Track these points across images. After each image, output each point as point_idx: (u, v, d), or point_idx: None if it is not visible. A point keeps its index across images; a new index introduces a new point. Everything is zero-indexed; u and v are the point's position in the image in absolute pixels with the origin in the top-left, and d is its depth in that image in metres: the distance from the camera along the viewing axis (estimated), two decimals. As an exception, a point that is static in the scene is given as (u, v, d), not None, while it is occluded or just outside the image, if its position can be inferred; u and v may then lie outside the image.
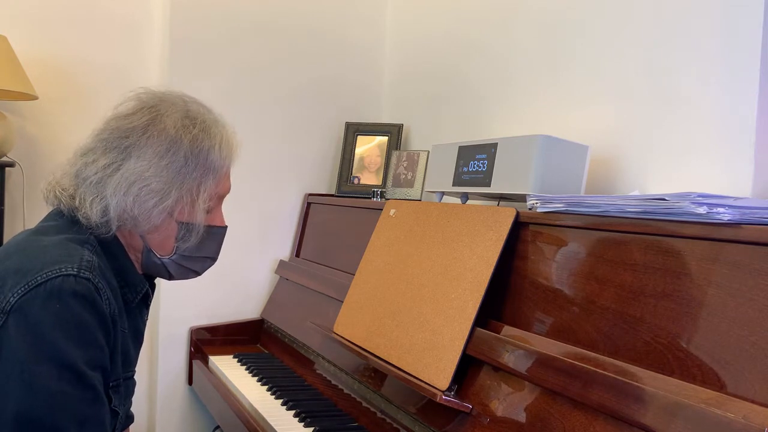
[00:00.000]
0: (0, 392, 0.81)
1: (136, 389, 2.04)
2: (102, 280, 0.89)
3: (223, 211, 1.09)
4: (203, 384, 1.90)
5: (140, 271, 1.04)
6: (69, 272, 0.84)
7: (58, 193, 0.96)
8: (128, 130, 0.96)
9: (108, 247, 0.97)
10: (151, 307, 2.15)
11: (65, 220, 0.96)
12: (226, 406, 1.62)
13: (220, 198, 1.07)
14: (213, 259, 1.09)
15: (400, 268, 1.42)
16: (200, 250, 1.04)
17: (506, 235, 1.18)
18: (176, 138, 0.97)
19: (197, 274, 1.09)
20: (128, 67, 2.13)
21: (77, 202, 0.94)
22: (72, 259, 0.87)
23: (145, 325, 1.11)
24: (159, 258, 1.02)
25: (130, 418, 1.18)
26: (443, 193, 1.55)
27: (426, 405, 1.23)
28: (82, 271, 0.86)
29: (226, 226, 1.09)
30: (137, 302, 1.02)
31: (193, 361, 2.05)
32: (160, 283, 2.05)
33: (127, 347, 0.99)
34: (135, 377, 1.07)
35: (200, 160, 0.98)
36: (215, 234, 1.07)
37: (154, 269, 1.04)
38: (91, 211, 0.93)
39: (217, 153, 1.01)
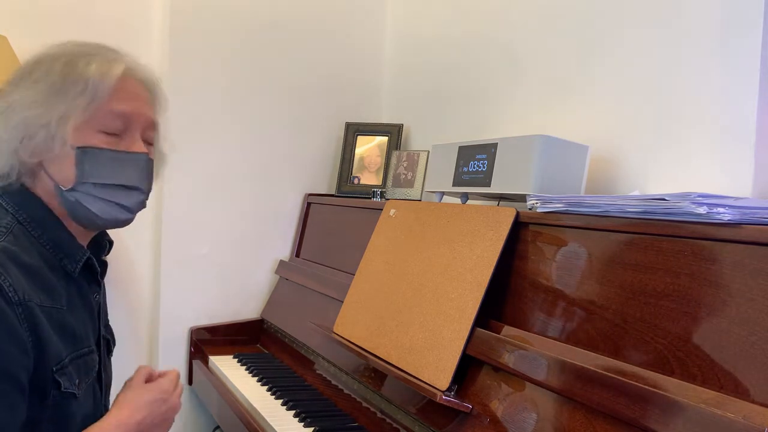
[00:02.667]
0: None
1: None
2: (7, 265, 0.85)
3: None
4: (203, 384, 1.90)
5: (86, 237, 1.02)
6: None
7: None
8: (17, 74, 0.97)
9: (37, 220, 0.95)
10: (151, 307, 2.16)
11: None
12: (226, 406, 1.62)
13: (126, 121, 0.99)
14: (138, 190, 1.01)
15: (400, 268, 1.42)
16: (116, 176, 0.97)
17: (506, 235, 1.18)
18: (50, 64, 0.96)
19: (128, 210, 1.01)
20: (128, 67, 2.13)
21: None
22: None
23: (98, 301, 1.07)
24: (71, 193, 0.95)
25: None
26: (443, 193, 1.55)
27: (426, 405, 1.23)
28: None
29: (143, 153, 1.01)
30: (79, 273, 0.99)
31: (193, 361, 2.05)
32: (160, 283, 2.05)
33: (68, 324, 0.94)
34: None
35: (74, 78, 0.94)
36: (128, 160, 0.98)
37: (77, 212, 0.97)
38: None
39: (93, 69, 0.95)
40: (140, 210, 1.04)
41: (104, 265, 1.11)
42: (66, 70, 0.95)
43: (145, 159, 1.01)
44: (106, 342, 1.12)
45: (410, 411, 1.26)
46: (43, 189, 0.98)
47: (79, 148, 0.94)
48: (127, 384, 1.06)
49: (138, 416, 0.98)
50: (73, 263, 0.98)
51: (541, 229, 1.16)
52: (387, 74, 2.42)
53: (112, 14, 2.08)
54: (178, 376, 1.11)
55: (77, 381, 0.95)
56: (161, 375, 1.09)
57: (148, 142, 1.05)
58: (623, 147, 1.39)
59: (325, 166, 2.34)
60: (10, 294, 0.84)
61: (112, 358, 1.18)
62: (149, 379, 1.08)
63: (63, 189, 0.96)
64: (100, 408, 1.05)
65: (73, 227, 1.00)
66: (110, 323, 1.18)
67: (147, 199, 1.05)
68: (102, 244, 1.12)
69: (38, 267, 0.91)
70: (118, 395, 1.03)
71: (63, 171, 0.96)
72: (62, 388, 0.91)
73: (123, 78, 0.98)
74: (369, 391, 1.44)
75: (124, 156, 0.98)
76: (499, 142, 1.35)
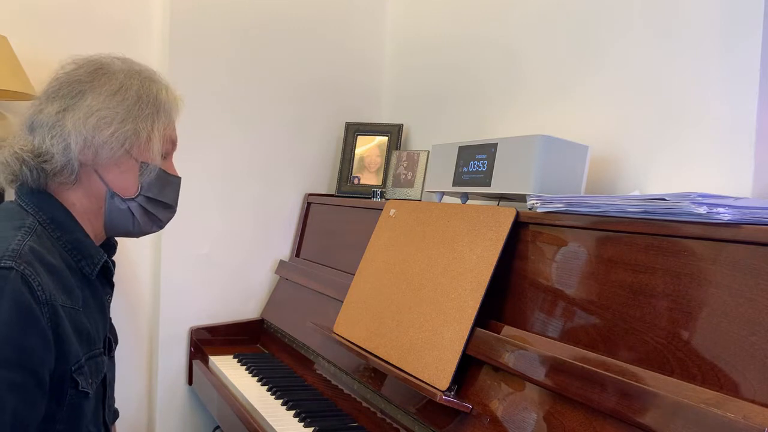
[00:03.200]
0: None
1: (135, 388, 2.04)
2: (35, 265, 0.86)
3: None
4: (203, 384, 1.90)
5: (101, 240, 1.07)
6: None
7: (17, 150, 0.97)
8: (77, 77, 1.02)
9: (58, 222, 0.98)
10: (151, 307, 2.16)
11: (10, 208, 0.98)
12: (226, 406, 1.62)
13: (172, 144, 1.11)
14: (173, 209, 1.13)
15: (400, 268, 1.42)
16: (162, 193, 1.08)
17: (506, 235, 1.18)
18: (125, 80, 1.03)
19: (160, 225, 1.11)
20: (128, 67, 2.13)
21: (38, 149, 0.96)
22: None
23: (109, 303, 1.10)
24: (124, 201, 1.04)
25: (115, 414, 1.17)
26: (443, 193, 1.55)
27: (426, 405, 1.23)
28: (3, 261, 0.84)
29: (180, 177, 1.14)
30: (96, 274, 1.02)
31: (193, 361, 2.05)
32: (160, 283, 2.05)
33: (84, 325, 0.96)
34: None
35: (151, 99, 1.04)
36: (172, 183, 1.11)
37: (119, 219, 1.05)
38: (54, 149, 0.96)
39: (164, 96, 1.07)
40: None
41: (114, 265, 1.13)
42: (142, 90, 1.03)
43: (180, 181, 1.14)
44: (109, 342, 1.13)
45: (410, 411, 1.26)
46: (82, 193, 1.01)
47: (143, 162, 1.04)
48: None
49: None
50: (91, 265, 1.00)
51: (541, 229, 1.16)
52: (387, 74, 2.42)
53: (112, 14, 2.08)
54: None
55: (90, 381, 0.97)
56: None
57: None
58: (623, 147, 1.39)
59: (325, 166, 2.34)
60: (38, 293, 0.85)
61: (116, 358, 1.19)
62: None
63: (120, 196, 1.03)
64: (102, 407, 1.05)
65: (90, 230, 1.02)
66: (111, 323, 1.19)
67: None
68: (111, 244, 1.15)
69: (60, 268, 0.93)
70: None
71: (123, 181, 1.03)
72: (80, 387, 0.93)
73: (179, 108, 1.12)
74: (369, 391, 1.44)
75: (172, 178, 1.11)
76: (499, 142, 1.35)
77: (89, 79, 1.01)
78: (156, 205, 1.08)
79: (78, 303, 0.95)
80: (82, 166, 0.99)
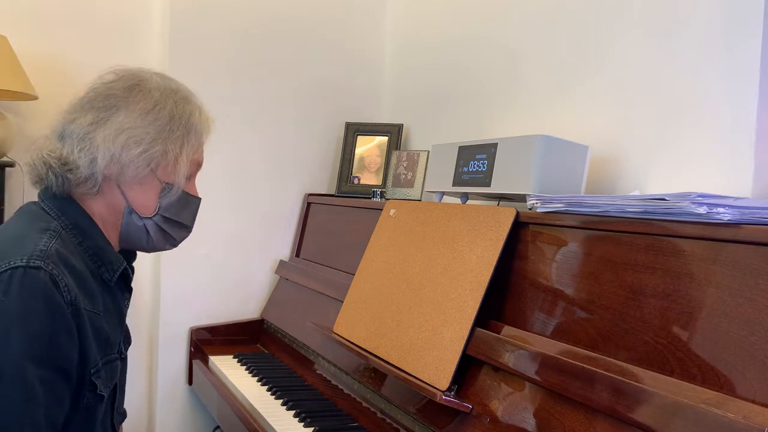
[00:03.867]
0: None
1: (135, 388, 2.04)
2: (60, 266, 0.88)
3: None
4: (203, 384, 1.90)
5: (117, 248, 1.06)
6: (18, 264, 0.84)
7: (45, 155, 0.97)
8: (113, 91, 1.01)
9: (80, 228, 0.98)
10: (151, 307, 2.16)
11: (34, 210, 0.98)
12: (226, 406, 1.62)
13: (198, 166, 1.11)
14: (189, 229, 1.13)
15: (400, 268, 1.42)
16: (180, 214, 1.08)
17: (506, 235, 1.18)
18: (160, 99, 1.02)
19: (174, 244, 1.11)
20: (128, 67, 2.13)
21: (66, 158, 0.97)
22: (23, 249, 0.86)
23: (127, 308, 1.11)
24: (141, 218, 1.04)
25: (123, 415, 1.17)
26: (443, 193, 1.55)
27: (426, 405, 1.23)
28: (33, 260, 0.85)
29: (200, 198, 1.13)
30: (116, 281, 1.02)
31: (193, 361, 2.05)
32: (160, 283, 2.05)
33: (103, 330, 0.97)
34: (131, 373, 1.06)
35: (183, 121, 1.04)
36: (192, 203, 1.11)
37: (134, 234, 1.05)
38: (81, 161, 0.96)
39: (197, 118, 1.07)
40: None
41: (133, 271, 1.14)
42: (176, 111, 1.03)
43: (200, 202, 1.14)
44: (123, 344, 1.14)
45: (410, 411, 1.26)
46: (103, 202, 1.01)
47: (167, 183, 1.04)
48: None
49: None
50: (110, 272, 1.01)
51: (541, 229, 1.16)
52: (387, 74, 2.42)
53: (113, 14, 2.08)
54: None
55: (106, 385, 0.98)
56: None
57: None
58: (623, 147, 1.39)
59: (325, 166, 2.34)
60: (65, 293, 0.87)
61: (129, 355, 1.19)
62: None
63: (137, 213, 1.03)
64: (111, 410, 1.06)
65: (110, 237, 1.03)
66: None
67: None
68: (132, 252, 1.15)
69: (83, 271, 0.94)
70: None
71: (144, 199, 1.03)
72: (97, 390, 0.94)
73: (210, 132, 1.12)
74: (369, 391, 1.44)
75: (192, 199, 1.11)
76: (499, 142, 1.35)
77: (125, 94, 1.01)
78: (172, 224, 1.08)
79: (99, 307, 0.96)
80: (106, 179, 0.99)
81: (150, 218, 1.04)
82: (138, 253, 1.15)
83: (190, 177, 1.10)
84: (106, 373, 0.98)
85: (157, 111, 1.01)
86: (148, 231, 1.05)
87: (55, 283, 0.85)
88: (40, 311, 0.83)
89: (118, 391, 1.09)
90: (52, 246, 0.89)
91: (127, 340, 1.18)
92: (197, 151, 1.09)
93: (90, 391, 0.93)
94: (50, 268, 0.86)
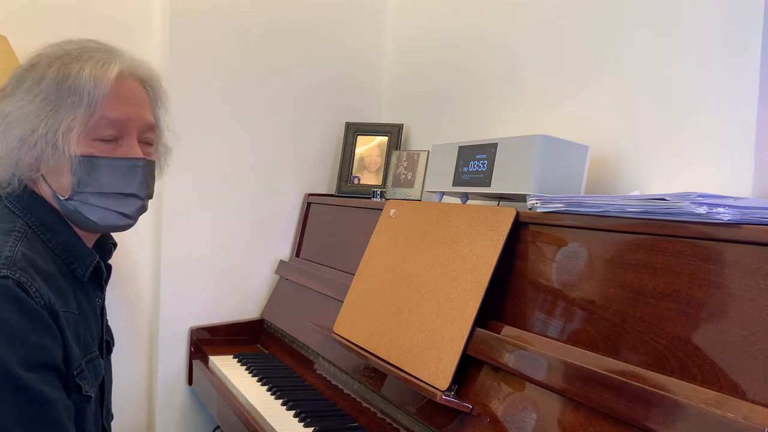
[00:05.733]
0: None
1: (135, 388, 2.03)
2: (29, 271, 0.85)
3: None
4: (203, 384, 1.90)
5: (91, 243, 1.02)
6: None
7: None
8: (14, 75, 0.95)
9: (47, 225, 0.95)
10: (151, 307, 2.16)
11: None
12: (226, 406, 1.62)
13: (122, 127, 0.96)
14: (137, 197, 0.99)
15: (400, 268, 1.42)
16: (112, 184, 0.96)
17: (506, 235, 1.18)
18: (44, 71, 0.93)
19: (128, 217, 0.99)
20: (128, 67, 2.13)
21: None
22: None
23: (101, 304, 1.07)
24: (69, 202, 0.95)
25: (111, 416, 1.15)
26: (443, 193, 1.55)
27: (426, 405, 1.23)
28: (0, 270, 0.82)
29: (140, 158, 0.98)
30: (88, 277, 0.99)
31: (193, 361, 2.05)
32: (160, 283, 2.05)
33: (81, 329, 0.95)
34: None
35: (66, 86, 0.92)
36: (127, 167, 0.97)
37: (76, 219, 0.97)
38: None
39: (86, 75, 0.92)
40: (141, 214, 1.03)
41: (109, 269, 1.11)
42: (59, 77, 0.92)
43: (143, 164, 0.99)
44: (106, 344, 1.13)
45: (410, 411, 1.26)
46: (47, 195, 0.98)
47: (74, 157, 0.92)
48: None
49: None
50: (82, 267, 0.98)
51: (541, 229, 1.16)
52: (387, 74, 2.42)
53: (112, 14, 2.08)
54: None
55: (91, 384, 0.96)
56: None
57: (148, 143, 1.03)
58: (623, 147, 1.39)
59: (325, 166, 2.34)
60: (36, 299, 0.84)
61: (112, 359, 1.18)
62: None
63: (61, 198, 0.96)
64: (101, 410, 1.05)
65: (79, 230, 1.00)
66: (110, 323, 1.18)
67: (147, 203, 1.04)
68: (106, 248, 1.12)
69: (52, 272, 0.91)
70: None
71: (60, 180, 0.95)
72: (83, 392, 0.92)
73: (117, 81, 0.95)
74: (369, 391, 1.44)
75: (121, 163, 0.96)
76: (499, 142, 1.35)
77: (20, 76, 0.94)
78: (107, 197, 0.96)
79: (73, 307, 0.94)
80: (25, 174, 0.94)
81: (72, 199, 0.95)
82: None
83: (124, 138, 0.97)
84: (90, 373, 0.96)
85: (37, 85, 0.92)
86: (82, 212, 0.96)
87: (25, 290, 0.83)
88: (16, 318, 0.81)
89: (105, 390, 1.08)
90: (17, 250, 0.86)
91: (111, 341, 1.16)
92: (102, 109, 0.93)
93: (75, 392, 0.91)
94: (18, 275, 0.83)
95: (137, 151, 0.99)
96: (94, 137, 0.94)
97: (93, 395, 0.96)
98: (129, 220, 1.00)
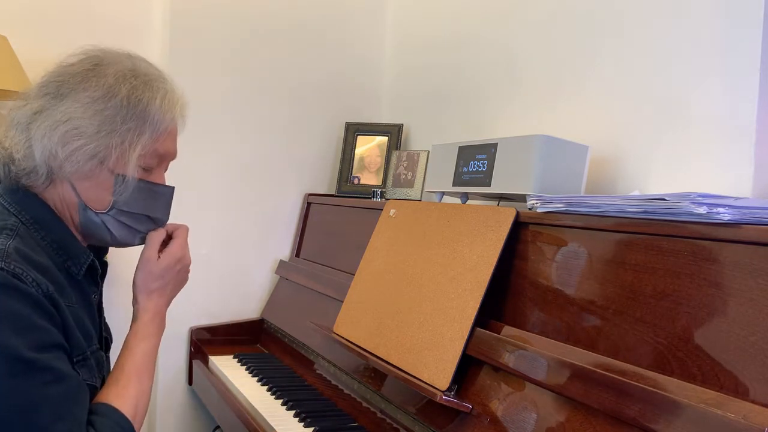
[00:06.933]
0: None
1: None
2: (23, 263, 0.85)
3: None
4: (203, 384, 1.90)
5: (84, 243, 1.01)
6: None
7: None
8: (67, 75, 0.95)
9: (42, 222, 0.94)
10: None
11: None
12: (226, 406, 1.62)
13: (162, 159, 1.02)
14: (160, 221, 1.07)
15: (401, 268, 1.42)
16: (144, 206, 1.01)
17: (506, 235, 1.18)
18: (114, 86, 0.94)
19: (142, 239, 1.06)
20: (128, 67, 2.13)
21: (9, 147, 0.92)
22: None
23: (98, 301, 1.08)
24: (97, 214, 0.97)
25: None
26: (443, 193, 1.55)
27: (426, 405, 1.23)
28: None
29: (173, 187, 1.06)
30: (83, 275, 0.99)
31: (193, 361, 2.05)
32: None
33: (82, 321, 0.95)
34: (113, 362, 1.05)
35: (137, 111, 0.95)
36: (159, 194, 1.03)
37: (94, 230, 0.99)
38: (19, 153, 0.91)
39: (157, 106, 0.97)
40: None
41: (105, 266, 1.11)
42: (131, 99, 0.94)
43: (172, 192, 1.06)
44: (105, 340, 1.13)
45: (410, 411, 1.26)
46: (58, 196, 0.97)
47: (119, 175, 0.96)
48: (142, 261, 1.09)
49: (161, 299, 1.12)
50: (77, 265, 0.98)
51: (541, 229, 1.16)
52: (387, 74, 2.42)
53: (112, 14, 2.08)
54: (185, 233, 1.14)
55: (96, 375, 0.97)
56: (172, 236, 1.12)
57: (165, 169, 1.08)
58: (623, 147, 1.39)
59: (325, 166, 2.34)
60: (34, 287, 0.84)
61: (112, 356, 1.18)
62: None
63: (91, 209, 0.97)
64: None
65: (73, 229, 0.99)
66: (111, 323, 1.18)
67: None
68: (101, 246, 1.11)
69: (49, 266, 0.91)
70: (135, 276, 1.10)
71: (96, 193, 0.96)
72: (87, 382, 0.92)
73: (176, 119, 1.01)
74: (369, 391, 1.44)
75: (158, 188, 1.03)
76: (499, 142, 1.35)
77: (77, 80, 0.94)
78: (136, 218, 1.01)
79: (71, 300, 0.94)
80: (52, 172, 0.93)
81: (106, 213, 0.98)
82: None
83: (157, 167, 1.02)
84: (94, 363, 0.96)
85: (107, 99, 0.93)
86: (107, 227, 0.99)
87: (20, 279, 0.83)
88: (17, 306, 0.81)
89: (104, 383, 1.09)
90: (9, 245, 0.86)
91: (108, 338, 1.16)
92: (158, 142, 0.98)
93: None
94: (12, 267, 0.83)
95: (165, 179, 1.06)
96: (139, 163, 0.98)
97: (98, 386, 0.96)
98: (142, 242, 1.07)
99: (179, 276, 1.12)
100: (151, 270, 1.08)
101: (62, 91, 0.94)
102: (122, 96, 0.94)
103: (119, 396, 0.95)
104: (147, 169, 1.01)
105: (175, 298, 1.21)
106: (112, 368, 1.07)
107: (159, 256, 1.08)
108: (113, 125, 0.93)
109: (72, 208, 0.97)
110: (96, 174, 0.95)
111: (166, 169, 1.07)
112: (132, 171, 0.96)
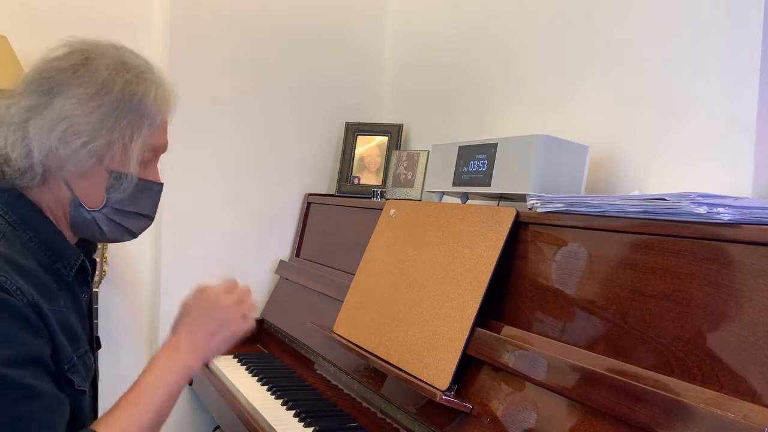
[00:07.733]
0: None
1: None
2: (7, 270, 0.83)
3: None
4: (203, 384, 1.90)
5: (73, 241, 1.00)
6: None
7: None
8: (56, 71, 0.91)
9: (29, 223, 0.92)
10: (150, 307, 2.16)
11: None
12: (226, 406, 1.62)
13: (156, 152, 1.01)
14: (149, 218, 1.04)
15: (400, 268, 1.42)
16: (134, 204, 0.99)
17: (506, 235, 1.18)
18: (108, 80, 0.92)
19: (132, 234, 1.03)
20: (128, 67, 2.13)
21: (4, 150, 0.89)
22: None
23: (87, 302, 1.06)
24: (89, 211, 0.95)
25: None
26: (443, 193, 1.55)
27: (426, 405, 1.23)
28: None
29: (162, 183, 1.04)
30: (73, 276, 0.97)
31: (193, 361, 2.05)
32: (160, 283, 2.05)
33: (70, 324, 0.93)
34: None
35: (133, 105, 0.93)
36: (150, 190, 1.01)
37: (85, 227, 0.97)
38: (14, 153, 0.88)
39: (151, 99, 0.95)
40: (142, 232, 1.07)
41: (94, 265, 1.09)
42: (125, 93, 0.93)
43: (161, 189, 1.04)
44: (97, 340, 1.13)
45: (410, 411, 1.26)
46: (50, 195, 0.95)
47: (112, 172, 0.94)
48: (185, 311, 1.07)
49: (186, 335, 1.05)
50: (67, 267, 0.96)
51: (541, 229, 1.16)
52: (387, 74, 2.42)
53: (113, 14, 2.08)
54: (232, 284, 1.11)
55: (85, 379, 0.96)
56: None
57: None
58: (623, 147, 1.39)
59: (325, 166, 2.34)
60: (18, 296, 0.82)
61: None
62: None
63: (84, 206, 0.95)
64: (94, 406, 1.05)
65: (63, 228, 0.98)
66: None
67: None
68: (90, 244, 1.10)
69: (35, 271, 0.89)
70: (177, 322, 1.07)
71: (91, 191, 0.95)
72: (76, 386, 0.91)
73: (169, 111, 1.00)
74: (369, 391, 1.44)
75: (150, 185, 1.01)
76: (499, 142, 1.35)
77: (68, 74, 0.91)
78: (126, 215, 0.99)
79: (59, 304, 0.92)
80: (47, 171, 0.91)
81: (98, 211, 0.96)
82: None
83: (149, 162, 1.00)
84: (81, 368, 0.95)
85: (102, 95, 0.91)
86: (98, 224, 0.97)
87: (5, 289, 0.81)
88: None
89: (98, 388, 1.08)
90: None
91: (96, 342, 1.14)
92: (154, 136, 0.97)
93: (69, 387, 0.90)
94: None
95: (159, 176, 1.04)
96: (139, 159, 0.97)
97: (87, 390, 0.95)
98: (132, 238, 1.04)
99: (213, 317, 1.08)
100: (187, 307, 1.07)
101: (54, 86, 0.91)
102: (117, 90, 0.92)
103: (105, 424, 0.91)
104: (143, 164, 0.99)
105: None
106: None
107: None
108: (111, 121, 0.91)
109: (64, 206, 0.96)
110: (93, 172, 0.93)
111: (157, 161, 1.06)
112: (134, 167, 0.95)
